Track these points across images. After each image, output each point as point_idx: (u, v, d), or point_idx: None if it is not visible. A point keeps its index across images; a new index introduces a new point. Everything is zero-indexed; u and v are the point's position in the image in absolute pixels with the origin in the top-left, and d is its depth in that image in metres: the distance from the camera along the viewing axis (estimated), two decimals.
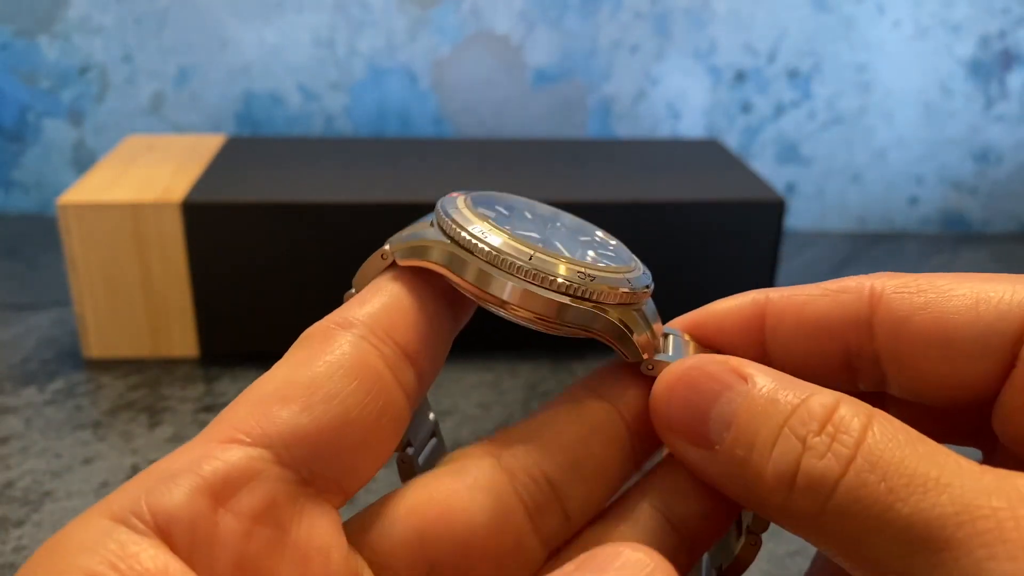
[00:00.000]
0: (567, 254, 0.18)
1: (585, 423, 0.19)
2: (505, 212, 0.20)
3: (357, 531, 0.17)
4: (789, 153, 0.72)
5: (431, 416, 0.21)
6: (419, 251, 0.19)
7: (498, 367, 0.50)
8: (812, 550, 0.37)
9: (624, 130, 0.72)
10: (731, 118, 0.71)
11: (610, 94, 0.71)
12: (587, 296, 0.18)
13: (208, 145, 0.58)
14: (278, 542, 0.15)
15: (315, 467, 0.16)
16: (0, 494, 0.39)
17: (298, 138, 0.63)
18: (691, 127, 0.72)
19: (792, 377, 0.17)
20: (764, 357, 0.20)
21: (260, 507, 0.15)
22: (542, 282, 0.18)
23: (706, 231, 0.51)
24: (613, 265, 0.19)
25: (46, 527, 0.37)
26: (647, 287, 0.20)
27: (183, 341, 0.50)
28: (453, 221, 0.18)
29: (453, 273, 0.18)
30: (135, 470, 0.41)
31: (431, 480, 0.18)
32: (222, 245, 0.49)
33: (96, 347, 0.50)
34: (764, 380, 0.17)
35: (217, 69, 0.69)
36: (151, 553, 0.13)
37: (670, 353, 0.20)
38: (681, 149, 0.62)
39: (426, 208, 0.22)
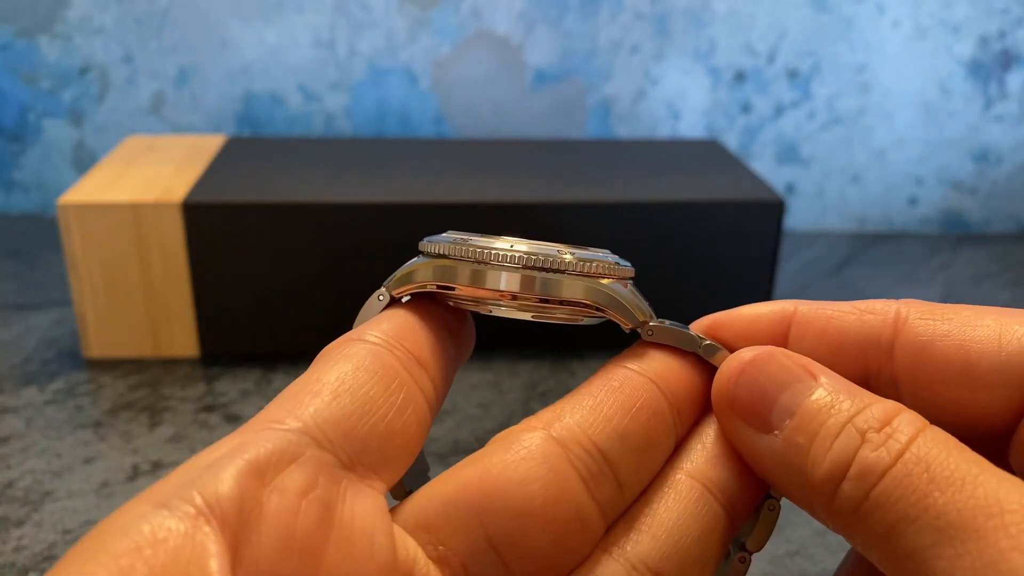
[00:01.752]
0: (549, 246, 0.19)
1: (628, 396, 0.20)
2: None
3: (410, 513, 0.18)
4: (789, 153, 0.73)
5: None
6: (408, 276, 0.19)
7: (498, 367, 0.50)
8: (812, 550, 0.37)
9: (624, 130, 0.72)
10: (731, 118, 0.71)
11: (610, 94, 0.71)
12: (582, 271, 0.19)
13: (208, 145, 0.58)
14: (324, 521, 0.15)
15: (352, 451, 0.16)
16: (0, 494, 0.39)
17: (298, 138, 0.63)
18: (691, 127, 0.72)
19: (856, 385, 0.18)
20: None
21: (305, 485, 0.15)
22: (535, 263, 0.19)
23: (706, 231, 0.51)
24: (591, 252, 0.20)
25: (46, 527, 0.37)
26: (631, 270, 0.21)
27: (183, 341, 0.50)
28: (433, 242, 0.20)
29: (446, 282, 0.19)
30: (136, 470, 0.41)
31: (483, 456, 0.18)
32: (222, 245, 0.49)
33: (96, 347, 0.50)
34: (832, 382, 0.18)
35: (217, 69, 0.69)
36: (181, 541, 0.13)
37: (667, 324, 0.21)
38: (681, 149, 0.62)
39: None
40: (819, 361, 0.19)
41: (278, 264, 0.49)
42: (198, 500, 0.14)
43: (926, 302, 0.19)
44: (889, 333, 0.19)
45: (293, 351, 0.50)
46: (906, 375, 0.19)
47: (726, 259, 0.52)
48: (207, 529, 0.14)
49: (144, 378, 0.49)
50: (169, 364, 0.50)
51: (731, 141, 0.72)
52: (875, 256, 0.69)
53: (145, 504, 0.14)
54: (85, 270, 0.48)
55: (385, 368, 0.18)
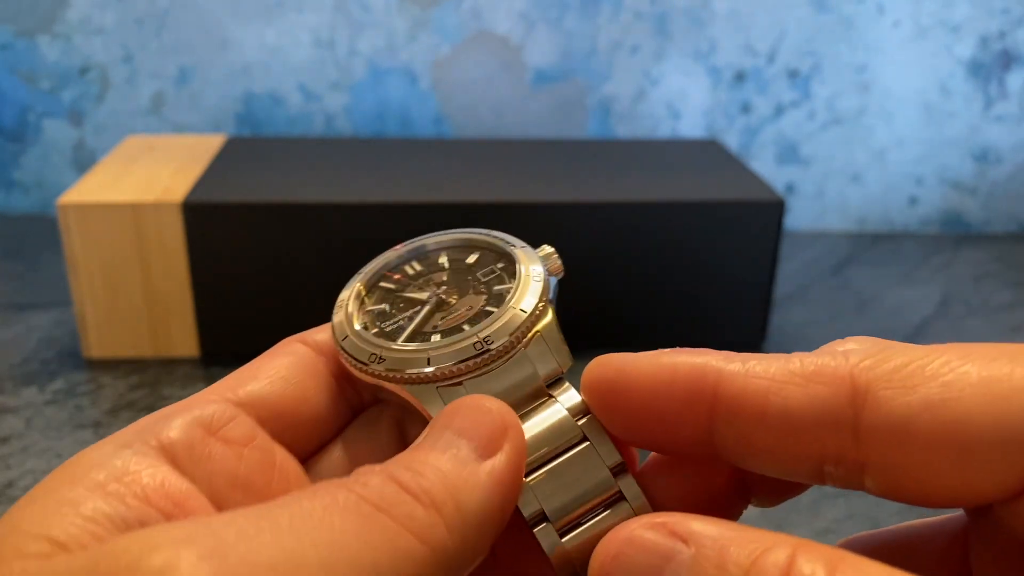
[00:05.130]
0: (389, 344, 0.20)
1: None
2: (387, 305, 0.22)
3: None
4: (789, 153, 0.73)
5: None
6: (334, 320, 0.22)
7: None
8: None
9: (624, 130, 0.72)
10: (731, 118, 0.71)
11: (610, 94, 0.71)
12: (374, 375, 0.20)
13: (208, 145, 0.58)
14: (266, 465, 0.18)
15: (277, 423, 0.19)
16: (1, 494, 0.39)
17: (298, 138, 0.63)
18: (691, 127, 0.72)
19: (738, 525, 0.15)
20: (708, 441, 0.17)
21: (245, 437, 0.18)
22: (354, 360, 0.21)
23: (706, 231, 0.51)
24: (453, 339, 0.20)
25: None
26: (460, 362, 0.20)
27: (183, 341, 0.50)
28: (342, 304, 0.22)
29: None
30: None
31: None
32: (222, 245, 0.49)
33: (96, 347, 0.50)
34: (708, 540, 0.15)
35: (217, 69, 0.69)
36: (151, 471, 0.16)
37: (545, 413, 0.20)
38: (681, 149, 0.62)
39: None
40: (759, 443, 0.16)
41: (278, 264, 0.49)
42: (154, 443, 0.17)
43: (879, 349, 0.16)
44: (848, 412, 0.16)
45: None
46: (879, 461, 0.16)
47: (726, 259, 0.52)
48: (166, 466, 0.16)
49: (144, 378, 0.49)
50: (169, 364, 0.50)
51: (731, 141, 0.72)
52: (875, 256, 0.69)
53: (110, 445, 0.16)
54: (85, 270, 0.48)
55: (313, 368, 0.21)
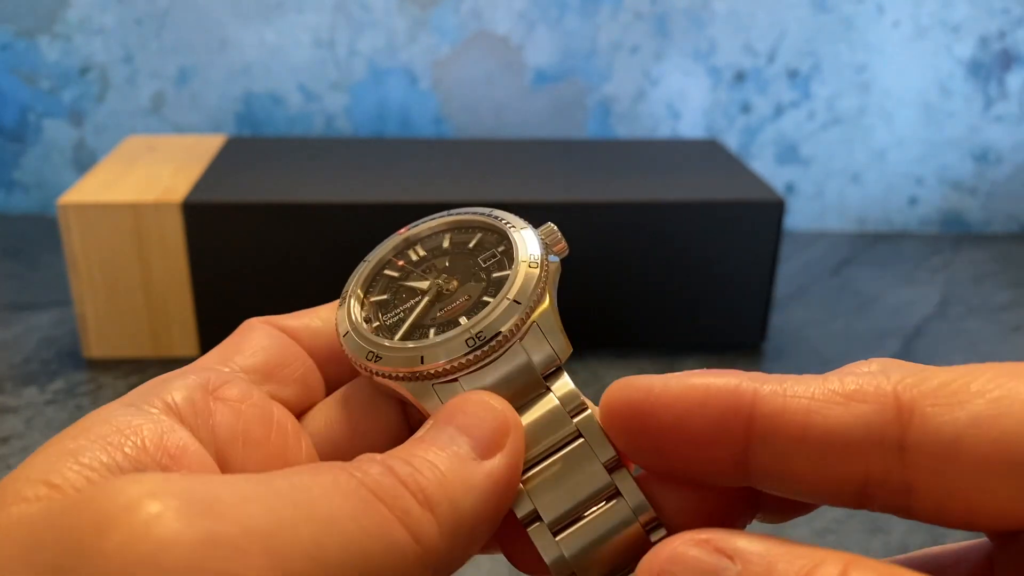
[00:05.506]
0: (385, 341, 0.20)
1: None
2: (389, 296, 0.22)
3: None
4: (789, 153, 0.73)
5: None
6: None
7: None
8: None
9: (624, 130, 0.72)
10: (731, 118, 0.71)
11: (610, 94, 0.71)
12: (372, 372, 0.20)
13: (208, 145, 0.58)
14: (264, 420, 0.19)
15: (271, 387, 0.20)
16: None
17: (298, 138, 0.64)
18: (691, 127, 0.72)
19: (785, 541, 0.15)
20: (741, 466, 0.16)
21: (242, 396, 0.19)
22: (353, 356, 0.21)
23: (706, 231, 0.51)
24: (448, 334, 0.20)
25: None
26: (452, 360, 0.19)
27: (183, 341, 0.50)
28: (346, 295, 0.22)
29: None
30: None
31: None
32: (222, 245, 0.49)
33: (96, 347, 0.50)
34: (755, 556, 0.14)
35: (217, 69, 0.69)
36: (152, 425, 0.17)
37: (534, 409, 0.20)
38: (681, 149, 0.62)
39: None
40: (799, 466, 0.16)
41: (278, 264, 0.49)
42: (158, 403, 0.17)
43: (918, 369, 0.16)
44: (894, 430, 0.15)
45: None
46: (926, 481, 0.15)
47: (726, 259, 0.52)
48: (168, 420, 0.17)
49: (144, 378, 0.49)
50: (169, 364, 0.50)
51: (731, 141, 0.72)
52: (875, 256, 0.69)
53: (115, 404, 0.17)
54: (85, 270, 0.48)
55: (284, 340, 0.22)
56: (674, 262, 0.51)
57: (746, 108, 0.71)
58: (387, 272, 0.22)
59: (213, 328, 0.50)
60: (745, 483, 0.17)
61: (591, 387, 0.49)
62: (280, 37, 0.68)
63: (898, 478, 0.15)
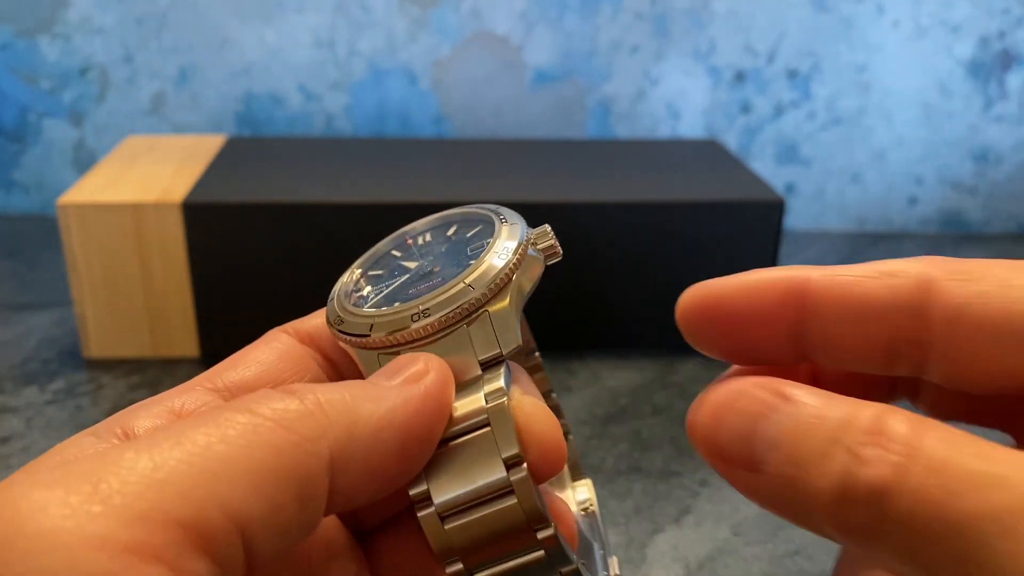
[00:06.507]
0: (353, 309, 0.21)
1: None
2: (379, 272, 0.23)
3: None
4: (788, 153, 0.73)
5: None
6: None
7: None
8: (812, 550, 0.37)
9: (624, 130, 0.72)
10: (730, 118, 0.72)
11: (610, 94, 0.71)
12: (334, 335, 0.21)
13: (208, 145, 0.58)
14: None
15: None
16: None
17: (298, 138, 0.64)
18: (691, 127, 0.72)
19: (833, 394, 0.17)
20: (797, 339, 0.19)
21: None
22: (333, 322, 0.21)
23: (706, 231, 0.51)
24: (396, 307, 0.20)
25: None
26: (395, 331, 0.20)
27: (183, 341, 0.50)
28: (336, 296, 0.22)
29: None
30: None
31: None
32: (222, 245, 0.49)
33: (96, 347, 0.50)
34: (808, 399, 0.17)
35: (217, 69, 0.69)
36: (102, 449, 0.17)
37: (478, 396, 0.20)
38: (680, 149, 0.62)
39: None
40: (841, 331, 0.19)
41: (278, 264, 0.49)
42: (119, 431, 0.18)
43: (948, 259, 0.19)
44: (920, 297, 0.18)
45: None
46: (942, 340, 0.18)
47: (726, 259, 0.52)
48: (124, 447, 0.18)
49: (144, 378, 0.49)
50: (169, 364, 0.50)
51: (731, 141, 0.72)
52: (875, 256, 0.69)
53: (80, 434, 0.18)
54: (85, 270, 0.48)
55: (293, 350, 0.22)
56: (674, 262, 0.51)
57: (746, 108, 0.71)
58: (393, 252, 0.23)
59: (213, 328, 0.50)
60: (802, 359, 0.19)
61: (591, 387, 0.49)
62: (280, 37, 0.68)
63: (921, 337, 0.18)
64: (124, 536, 0.14)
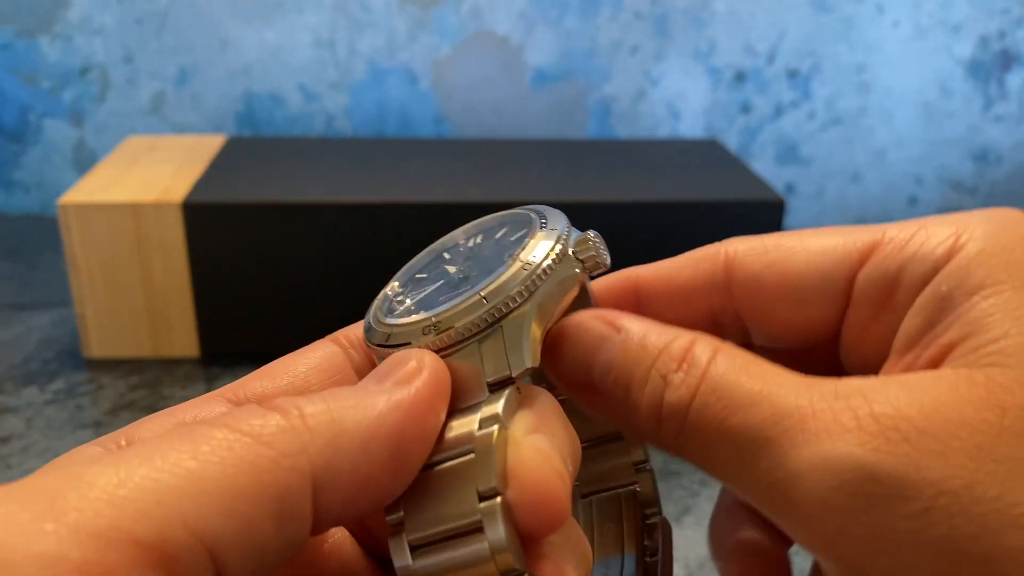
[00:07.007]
0: (381, 317, 0.20)
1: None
2: (418, 278, 0.22)
3: None
4: (788, 153, 0.73)
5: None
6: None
7: None
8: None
9: (624, 130, 0.72)
10: (730, 118, 0.71)
11: (610, 94, 0.71)
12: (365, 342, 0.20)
13: (208, 145, 0.58)
14: None
15: None
16: None
17: (298, 138, 0.64)
18: (691, 127, 0.72)
19: (660, 324, 0.19)
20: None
21: None
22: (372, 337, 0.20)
23: (706, 231, 0.51)
24: (413, 318, 0.19)
25: None
26: (405, 344, 0.19)
27: (183, 341, 0.50)
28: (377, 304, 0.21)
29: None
30: None
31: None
32: (222, 245, 0.49)
33: (96, 347, 0.50)
34: (635, 328, 0.19)
35: (217, 69, 0.69)
36: (103, 458, 0.16)
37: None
38: (680, 149, 0.62)
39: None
40: (670, 313, 0.22)
41: (278, 264, 0.49)
42: (123, 441, 0.18)
43: (748, 237, 0.22)
44: (723, 274, 0.21)
45: (293, 351, 0.50)
46: (744, 308, 0.21)
47: None
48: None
49: (144, 378, 0.49)
50: (169, 364, 0.50)
51: (731, 141, 0.72)
52: None
53: (87, 445, 0.18)
54: (85, 270, 0.48)
55: (331, 359, 0.21)
56: None
57: (746, 108, 0.71)
58: (444, 254, 0.22)
59: (213, 328, 0.50)
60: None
61: None
62: (280, 37, 0.68)
63: (729, 308, 0.22)
64: (75, 555, 0.13)
